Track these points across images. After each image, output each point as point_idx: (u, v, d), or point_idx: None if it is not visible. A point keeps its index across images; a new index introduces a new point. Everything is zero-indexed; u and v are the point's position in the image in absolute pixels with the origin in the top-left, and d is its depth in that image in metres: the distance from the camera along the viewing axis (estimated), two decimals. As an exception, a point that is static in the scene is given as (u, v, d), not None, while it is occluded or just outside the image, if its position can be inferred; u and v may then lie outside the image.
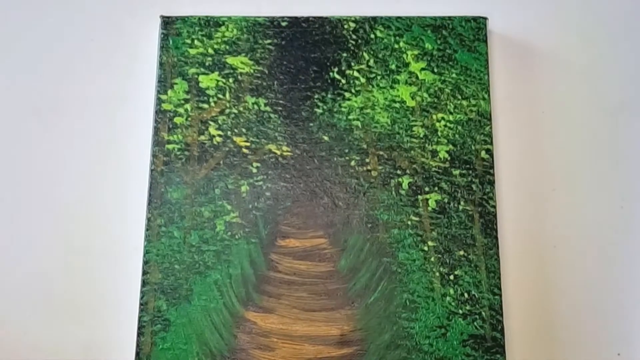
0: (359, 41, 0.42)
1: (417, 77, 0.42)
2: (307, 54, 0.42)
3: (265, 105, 0.41)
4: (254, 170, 0.41)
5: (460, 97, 0.41)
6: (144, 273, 0.39)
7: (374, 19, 0.43)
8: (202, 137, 0.41)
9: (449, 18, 0.43)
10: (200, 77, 0.42)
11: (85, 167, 0.43)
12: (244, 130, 0.41)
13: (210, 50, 0.42)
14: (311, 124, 0.41)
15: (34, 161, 0.43)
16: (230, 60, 0.42)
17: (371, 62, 0.42)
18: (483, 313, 0.38)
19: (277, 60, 0.42)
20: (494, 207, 0.40)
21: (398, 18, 0.43)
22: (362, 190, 0.40)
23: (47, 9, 0.45)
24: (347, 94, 0.42)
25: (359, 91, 0.42)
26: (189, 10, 0.43)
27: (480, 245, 0.39)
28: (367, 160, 0.41)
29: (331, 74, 0.42)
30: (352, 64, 0.42)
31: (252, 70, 0.42)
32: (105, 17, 0.45)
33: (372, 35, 0.42)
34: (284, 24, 0.43)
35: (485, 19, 0.43)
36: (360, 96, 0.42)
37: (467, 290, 0.39)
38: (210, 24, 0.42)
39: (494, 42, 0.44)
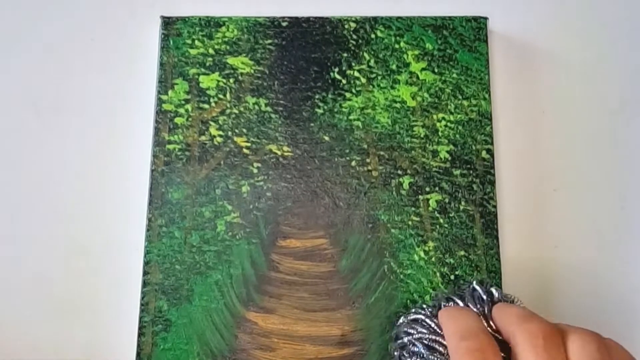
0: (360, 41, 0.42)
1: (417, 77, 0.42)
2: (308, 54, 0.42)
3: (266, 105, 0.41)
4: (255, 171, 0.41)
5: (460, 97, 0.41)
6: (145, 273, 0.39)
7: (375, 19, 0.43)
8: (203, 138, 0.41)
9: (450, 18, 0.43)
10: (201, 78, 0.42)
11: (85, 167, 0.43)
12: (244, 130, 0.41)
13: (211, 51, 0.42)
14: (312, 124, 0.41)
15: (34, 161, 0.43)
16: (230, 60, 0.42)
17: (372, 62, 0.42)
18: (484, 313, 0.38)
19: (278, 60, 0.42)
20: (495, 207, 0.40)
21: (398, 18, 0.43)
22: (363, 190, 0.40)
23: (47, 8, 0.45)
24: (347, 94, 0.42)
25: (360, 91, 0.42)
26: (189, 10, 0.43)
27: (481, 245, 0.39)
28: (368, 160, 0.41)
29: (332, 74, 0.42)
30: (353, 64, 0.42)
31: (252, 71, 0.42)
32: (105, 17, 0.45)
33: (373, 36, 0.42)
34: (284, 24, 0.43)
35: (485, 19, 0.43)
36: (360, 96, 0.42)
37: (468, 291, 0.39)
38: (211, 24, 0.42)
39: (494, 42, 0.44)
